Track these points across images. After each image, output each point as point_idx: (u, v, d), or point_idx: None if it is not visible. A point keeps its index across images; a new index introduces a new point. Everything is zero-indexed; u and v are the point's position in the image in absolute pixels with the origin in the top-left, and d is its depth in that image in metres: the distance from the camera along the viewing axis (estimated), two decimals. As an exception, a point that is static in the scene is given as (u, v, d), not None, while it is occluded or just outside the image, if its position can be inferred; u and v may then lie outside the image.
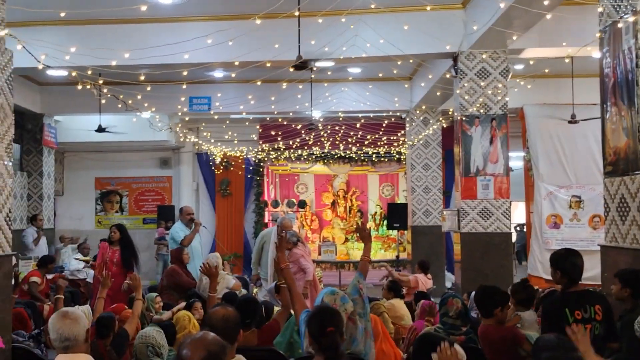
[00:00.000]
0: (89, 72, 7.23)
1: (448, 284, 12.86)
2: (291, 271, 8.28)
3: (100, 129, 11.65)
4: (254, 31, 7.62)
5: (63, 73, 10.19)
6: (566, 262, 3.95)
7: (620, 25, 4.64)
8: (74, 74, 6.78)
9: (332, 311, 3.32)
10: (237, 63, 8.32)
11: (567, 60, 9.53)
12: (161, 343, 4.49)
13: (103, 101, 10.25)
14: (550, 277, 9.19)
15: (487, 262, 8.32)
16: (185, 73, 7.85)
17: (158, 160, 15.63)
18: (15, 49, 5.90)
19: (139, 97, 8.48)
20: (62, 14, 6.62)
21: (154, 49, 7.64)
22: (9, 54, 5.93)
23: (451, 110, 11.77)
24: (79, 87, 7.49)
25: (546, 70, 10.02)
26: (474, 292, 5.18)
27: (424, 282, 8.93)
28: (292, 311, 5.48)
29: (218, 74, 11.23)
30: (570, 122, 10.59)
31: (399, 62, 9.65)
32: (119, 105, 8.04)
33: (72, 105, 12.62)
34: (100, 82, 6.99)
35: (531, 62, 9.36)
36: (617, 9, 4.76)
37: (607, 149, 4.93)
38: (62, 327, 3.17)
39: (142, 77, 7.73)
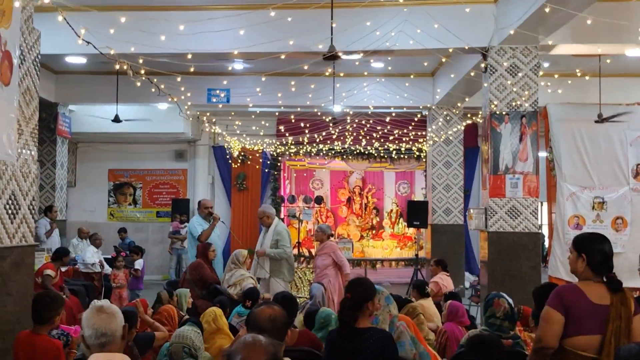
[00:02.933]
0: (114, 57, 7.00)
1: (466, 284, 12.66)
2: (323, 263, 8.17)
3: (117, 119, 11.48)
4: (279, 21, 7.45)
5: (82, 60, 10.10)
6: None
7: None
8: (111, 51, 6.54)
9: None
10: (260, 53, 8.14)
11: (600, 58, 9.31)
12: (198, 345, 4.29)
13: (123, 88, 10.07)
14: (571, 280, 8.97)
15: (514, 262, 8.11)
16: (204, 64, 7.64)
17: (173, 152, 15.46)
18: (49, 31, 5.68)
19: (162, 86, 8.27)
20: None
21: (179, 40, 7.44)
22: (36, 34, 5.67)
23: (475, 110, 11.64)
24: (115, 70, 7.23)
25: (577, 70, 9.82)
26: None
27: (446, 283, 8.72)
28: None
29: (238, 65, 11.04)
30: (597, 121, 10.37)
31: (425, 64, 9.42)
32: (152, 90, 7.83)
33: (87, 94, 12.48)
34: (125, 67, 6.76)
35: (561, 60, 9.16)
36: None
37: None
38: (98, 322, 2.96)
39: (191, 69, 7.49)
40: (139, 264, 10.20)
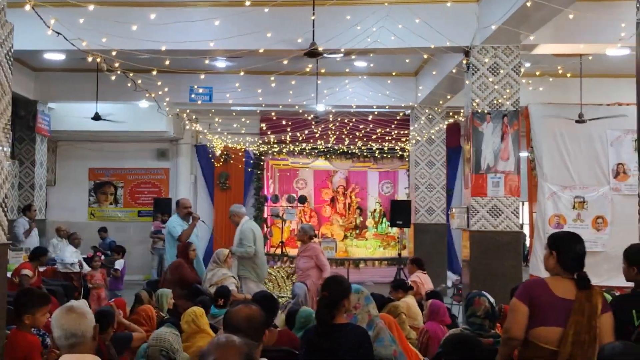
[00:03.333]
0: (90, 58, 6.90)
1: (449, 283, 12.67)
2: (305, 266, 8.16)
3: (97, 117, 11.33)
4: (258, 16, 7.40)
5: (61, 57, 9.96)
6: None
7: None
8: (83, 43, 6.43)
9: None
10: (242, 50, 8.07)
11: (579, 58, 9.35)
12: (176, 347, 4.21)
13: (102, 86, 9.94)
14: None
15: (496, 261, 8.12)
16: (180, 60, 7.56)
17: (155, 151, 15.31)
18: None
19: (139, 81, 8.16)
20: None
21: (155, 34, 7.36)
22: (9, 27, 5.55)
23: (457, 109, 11.66)
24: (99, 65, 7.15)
25: (559, 69, 9.86)
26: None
27: (424, 281, 8.73)
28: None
29: (220, 63, 10.95)
30: (577, 121, 10.43)
31: (407, 61, 9.41)
32: (129, 85, 7.71)
33: (67, 92, 12.32)
34: (99, 59, 6.66)
35: (542, 60, 9.19)
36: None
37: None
38: (67, 323, 2.89)
39: (167, 62, 7.42)
40: (119, 264, 10.07)
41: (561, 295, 3.39)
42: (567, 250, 3.47)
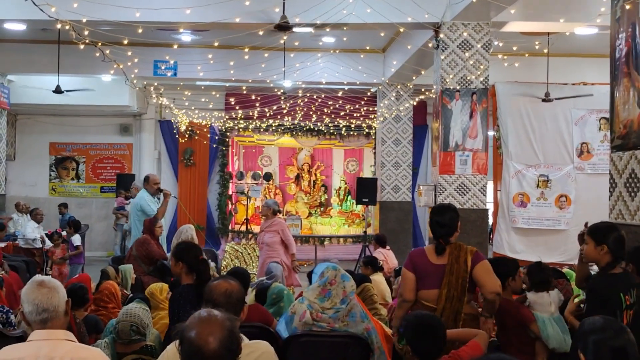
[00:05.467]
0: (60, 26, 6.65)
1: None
2: (272, 240, 8.12)
3: (58, 90, 10.97)
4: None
5: (21, 27, 9.59)
6: (613, 235, 3.54)
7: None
8: (52, 9, 6.18)
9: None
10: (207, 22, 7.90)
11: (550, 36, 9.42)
12: (146, 322, 4.12)
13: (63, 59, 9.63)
14: (515, 256, 9.10)
15: (463, 238, 8.09)
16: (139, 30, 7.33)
17: (118, 126, 14.98)
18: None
19: (108, 51, 7.92)
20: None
21: (125, 3, 7.13)
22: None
23: (425, 87, 11.68)
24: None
25: (525, 52, 9.92)
26: None
27: (386, 257, 8.81)
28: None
29: (186, 37, 10.73)
30: (544, 100, 10.56)
31: (382, 34, 9.33)
32: (97, 54, 7.48)
33: (27, 63, 11.91)
34: (68, 26, 6.42)
35: (510, 38, 9.23)
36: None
37: (617, 122, 4.74)
38: (39, 297, 2.77)
39: (140, 30, 7.17)
40: (76, 239, 9.79)
41: (435, 262, 4.05)
42: (431, 221, 4.18)
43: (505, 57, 10.71)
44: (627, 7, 4.56)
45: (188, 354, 2.10)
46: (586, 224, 3.87)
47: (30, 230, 10.04)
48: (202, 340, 2.08)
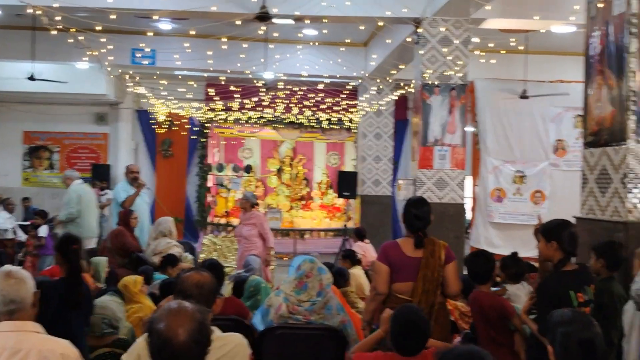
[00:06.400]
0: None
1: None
2: (250, 233, 8.08)
3: (32, 77, 10.76)
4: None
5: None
6: (564, 232, 3.51)
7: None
8: None
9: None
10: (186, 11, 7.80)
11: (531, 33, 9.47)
12: (119, 316, 4.08)
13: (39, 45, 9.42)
14: (493, 250, 9.18)
15: (440, 232, 8.08)
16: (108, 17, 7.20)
17: (94, 115, 14.72)
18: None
19: (82, 38, 7.78)
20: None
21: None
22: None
23: (406, 82, 11.68)
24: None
25: (503, 49, 9.97)
26: None
27: (364, 251, 8.84)
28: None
29: (165, 25, 10.58)
30: (521, 97, 10.65)
31: (362, 27, 9.31)
32: (70, 40, 7.33)
33: (1, 50, 11.62)
34: (40, 12, 6.28)
35: (489, 35, 9.27)
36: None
37: (589, 120, 4.80)
38: (5, 288, 2.73)
39: (113, 17, 7.04)
40: (43, 230, 9.55)
41: (410, 254, 4.04)
42: (407, 213, 4.13)
43: (483, 53, 10.76)
44: (600, 5, 4.60)
45: (157, 346, 2.06)
46: (539, 218, 3.91)
47: (1, 221, 9.87)
48: (171, 332, 2.04)
